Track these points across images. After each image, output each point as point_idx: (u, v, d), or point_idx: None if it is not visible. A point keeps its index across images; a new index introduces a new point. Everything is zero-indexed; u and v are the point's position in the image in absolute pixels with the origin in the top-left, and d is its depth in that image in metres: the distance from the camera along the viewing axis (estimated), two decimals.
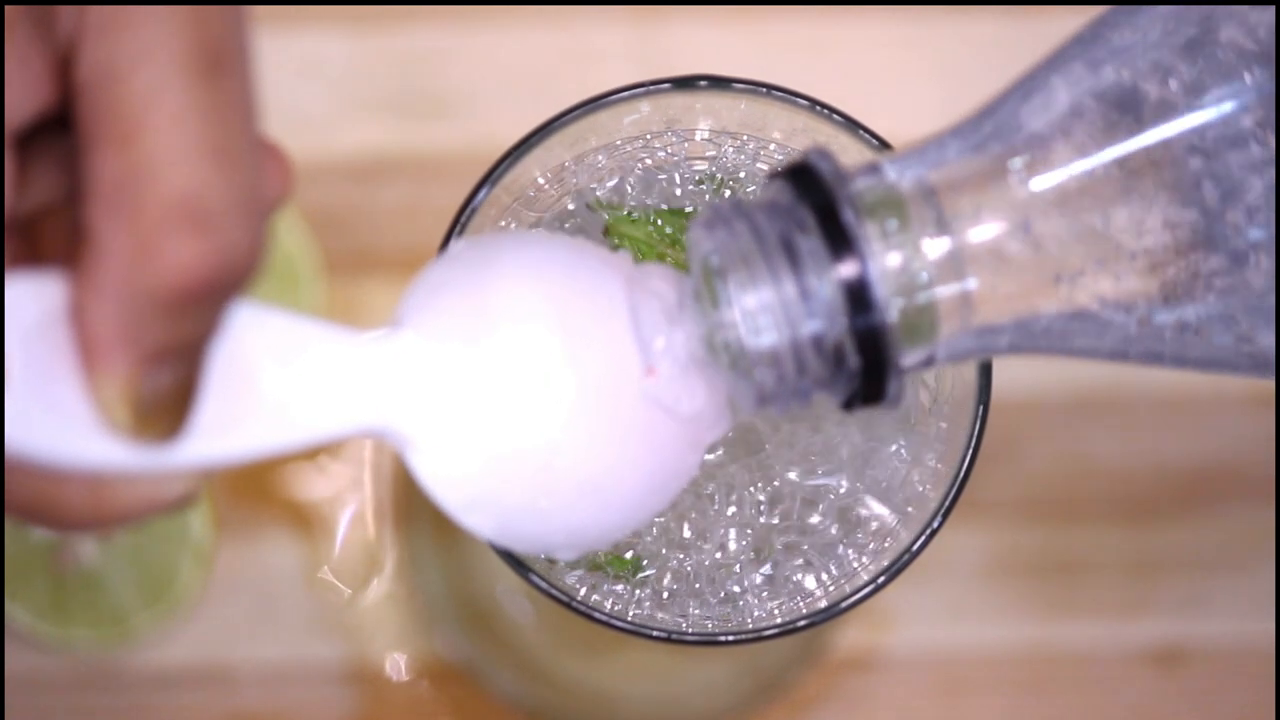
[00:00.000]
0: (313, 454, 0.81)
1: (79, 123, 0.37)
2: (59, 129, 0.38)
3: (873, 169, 0.43)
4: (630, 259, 0.47)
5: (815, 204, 0.42)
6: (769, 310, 0.42)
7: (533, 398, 0.44)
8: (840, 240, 0.42)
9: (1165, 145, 0.42)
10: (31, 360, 0.37)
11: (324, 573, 0.81)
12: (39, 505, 0.39)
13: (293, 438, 0.42)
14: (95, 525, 0.40)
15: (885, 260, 0.42)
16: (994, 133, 0.43)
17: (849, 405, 0.43)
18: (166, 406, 0.38)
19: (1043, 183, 0.42)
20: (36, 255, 0.40)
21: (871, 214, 0.42)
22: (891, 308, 0.42)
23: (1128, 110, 0.42)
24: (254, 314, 0.41)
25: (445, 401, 0.43)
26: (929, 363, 0.43)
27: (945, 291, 0.42)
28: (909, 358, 0.43)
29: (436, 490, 0.44)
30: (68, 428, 0.38)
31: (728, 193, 0.56)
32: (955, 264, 0.42)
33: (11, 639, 0.79)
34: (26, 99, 0.37)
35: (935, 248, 0.42)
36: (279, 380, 0.41)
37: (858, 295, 0.42)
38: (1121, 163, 0.42)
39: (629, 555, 0.55)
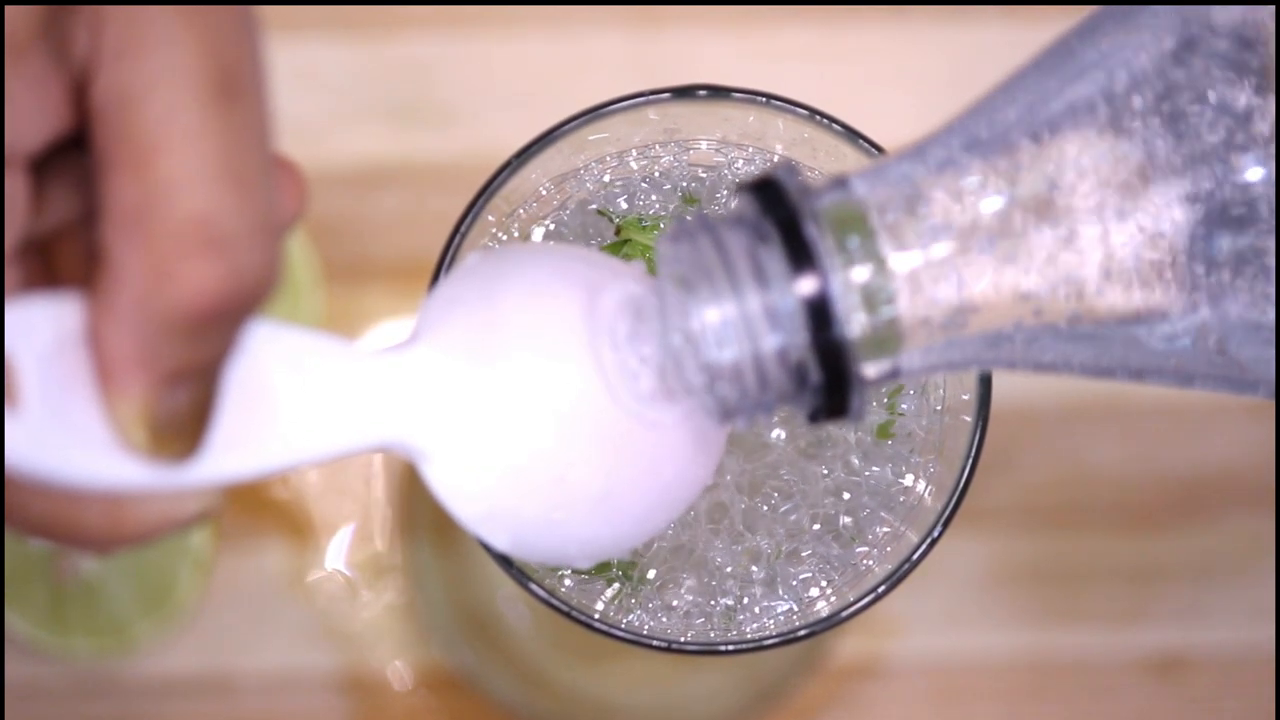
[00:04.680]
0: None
1: (95, 146, 0.37)
2: (76, 151, 0.38)
3: (839, 183, 0.43)
4: (643, 270, 0.47)
5: (779, 219, 0.42)
6: (731, 325, 0.42)
7: (547, 412, 0.44)
8: (802, 255, 0.42)
9: (1131, 161, 0.42)
10: (49, 381, 0.38)
11: (323, 581, 0.81)
12: (58, 525, 0.39)
13: (308, 453, 0.42)
14: (114, 544, 0.40)
15: (848, 275, 0.42)
16: (959, 148, 0.42)
17: (814, 418, 0.43)
18: (183, 425, 0.39)
19: (1005, 199, 0.42)
20: (53, 277, 0.40)
21: (835, 228, 0.42)
22: (853, 322, 0.42)
23: (1094, 125, 0.42)
24: (269, 331, 0.41)
25: (460, 416, 0.43)
26: (894, 376, 0.43)
27: (909, 306, 0.42)
28: (872, 371, 0.42)
29: (452, 503, 0.44)
30: (85, 448, 0.38)
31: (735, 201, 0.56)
32: (920, 279, 0.42)
33: (11, 648, 0.79)
34: (43, 123, 0.37)
35: (900, 262, 0.42)
36: (295, 396, 0.41)
37: (819, 310, 0.42)
38: (1088, 178, 0.42)
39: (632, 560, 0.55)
